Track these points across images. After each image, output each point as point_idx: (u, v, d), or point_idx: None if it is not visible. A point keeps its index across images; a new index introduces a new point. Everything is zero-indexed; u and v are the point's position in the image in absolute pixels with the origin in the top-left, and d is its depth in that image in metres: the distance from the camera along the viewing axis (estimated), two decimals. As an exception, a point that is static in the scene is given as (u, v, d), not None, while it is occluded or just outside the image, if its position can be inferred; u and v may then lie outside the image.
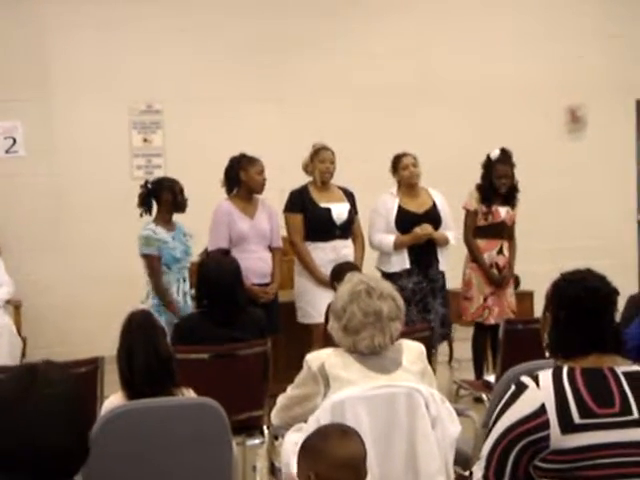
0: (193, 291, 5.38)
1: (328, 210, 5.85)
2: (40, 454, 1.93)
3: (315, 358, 3.12)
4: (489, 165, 6.27)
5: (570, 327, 2.44)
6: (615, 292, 2.49)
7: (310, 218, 5.83)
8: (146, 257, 5.48)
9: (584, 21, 9.31)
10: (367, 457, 2.42)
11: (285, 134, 8.13)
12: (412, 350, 3.21)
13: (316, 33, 8.46)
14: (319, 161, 5.88)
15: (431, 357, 4.64)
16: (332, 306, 3.21)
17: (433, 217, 6.04)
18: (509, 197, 6.32)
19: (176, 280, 5.51)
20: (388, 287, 3.20)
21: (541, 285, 2.61)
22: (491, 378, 5.26)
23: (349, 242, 5.95)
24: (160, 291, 5.43)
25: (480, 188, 6.29)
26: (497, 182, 6.24)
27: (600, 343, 2.42)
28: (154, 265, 5.46)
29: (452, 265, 6.27)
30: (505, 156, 6.28)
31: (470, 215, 6.27)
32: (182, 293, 5.52)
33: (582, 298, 2.43)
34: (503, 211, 6.29)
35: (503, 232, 6.32)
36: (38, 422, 1.93)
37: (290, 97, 8.36)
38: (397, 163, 6.09)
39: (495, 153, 6.28)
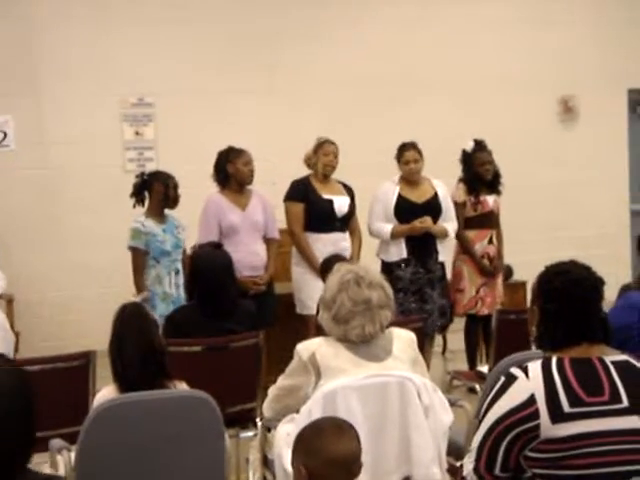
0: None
1: (330, 202, 5.87)
2: None
3: (305, 348, 3.12)
4: (467, 158, 6.31)
5: (558, 319, 2.45)
6: (600, 281, 2.49)
7: (312, 208, 5.84)
8: (131, 249, 5.51)
9: (576, 11, 9.32)
10: (361, 452, 2.41)
11: (277, 127, 8.11)
12: (402, 338, 3.21)
13: (308, 25, 8.43)
14: (323, 154, 5.89)
15: (424, 347, 4.66)
16: (322, 296, 3.21)
17: (433, 207, 6.02)
18: (494, 184, 6.34)
19: (167, 273, 5.51)
20: (377, 276, 3.20)
21: (534, 275, 2.60)
22: (484, 369, 5.27)
23: (348, 236, 5.97)
24: (137, 284, 5.46)
25: (465, 180, 6.31)
26: (481, 170, 6.26)
27: (589, 333, 2.42)
28: (137, 258, 5.50)
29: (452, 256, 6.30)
30: (480, 145, 6.34)
31: (459, 207, 6.26)
32: (174, 286, 5.52)
33: (568, 290, 2.44)
34: (491, 200, 6.31)
35: (492, 221, 6.34)
36: None
37: (282, 90, 8.34)
38: (400, 155, 6.06)
39: (470, 145, 6.33)
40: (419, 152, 6.04)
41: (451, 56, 8.73)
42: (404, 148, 6.06)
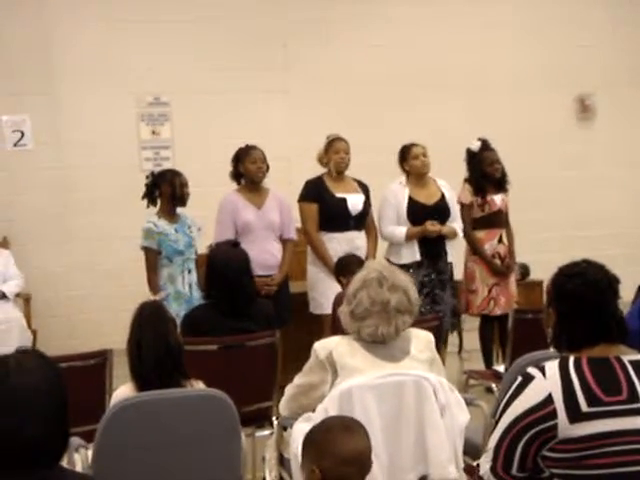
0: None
1: (344, 200, 5.86)
2: (17, 444, 1.92)
3: (323, 346, 3.12)
4: (473, 157, 6.28)
5: (575, 321, 2.43)
6: (615, 279, 2.47)
7: (326, 208, 5.83)
8: (144, 249, 5.55)
9: (593, 9, 9.28)
10: (375, 446, 2.42)
11: (292, 126, 8.13)
12: (421, 339, 3.20)
13: (320, 24, 8.45)
14: (334, 152, 5.89)
15: (441, 347, 4.65)
16: (347, 290, 3.22)
17: (443, 209, 6.03)
18: (501, 183, 6.32)
19: (180, 272, 5.53)
20: (403, 279, 3.17)
21: (550, 275, 2.58)
22: (501, 368, 5.25)
23: (363, 234, 5.96)
24: (151, 284, 5.49)
25: (471, 181, 6.28)
26: (490, 169, 6.24)
27: (606, 333, 2.41)
28: (150, 258, 5.54)
29: (459, 257, 6.27)
30: (487, 144, 6.31)
31: (466, 208, 6.26)
32: (187, 285, 5.53)
33: (584, 292, 2.42)
34: (498, 199, 6.29)
35: (501, 220, 6.32)
36: (14, 412, 1.92)
37: (296, 89, 8.36)
38: (406, 153, 6.06)
39: (476, 144, 6.30)
40: (424, 148, 6.05)
41: (465, 55, 8.72)
42: (409, 146, 6.07)
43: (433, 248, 5.97)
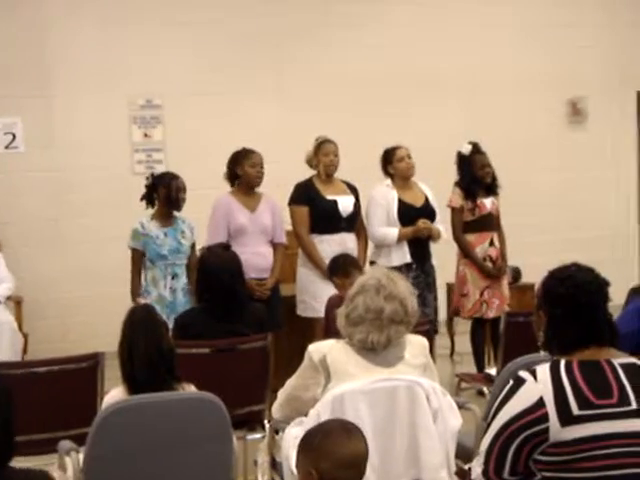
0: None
1: (334, 202, 5.85)
2: None
3: (317, 349, 3.12)
4: (464, 161, 6.28)
5: (565, 324, 2.44)
6: (605, 283, 2.49)
7: (316, 210, 5.83)
8: (130, 249, 5.57)
9: (585, 13, 9.30)
10: (368, 452, 2.42)
11: (285, 128, 8.11)
12: (415, 344, 3.20)
13: (314, 25, 8.45)
14: (323, 154, 5.88)
15: (431, 350, 4.65)
16: (348, 292, 3.22)
17: (430, 210, 6.05)
18: (491, 186, 6.33)
19: (163, 276, 5.50)
20: (402, 289, 3.13)
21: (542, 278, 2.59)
22: (492, 371, 5.26)
23: (354, 236, 5.95)
24: (132, 284, 5.52)
25: (461, 185, 6.28)
26: (481, 172, 6.24)
27: (597, 336, 2.42)
28: (134, 258, 5.57)
29: (446, 259, 6.28)
30: (478, 147, 6.31)
31: (456, 212, 6.27)
32: (169, 289, 5.51)
33: (574, 295, 2.43)
34: (488, 202, 6.30)
35: (492, 224, 6.32)
36: None
37: (289, 90, 8.35)
38: (391, 156, 6.06)
39: (467, 148, 6.29)
40: (408, 150, 6.05)
41: (458, 58, 8.72)
42: (393, 148, 6.06)
43: (421, 249, 5.98)
